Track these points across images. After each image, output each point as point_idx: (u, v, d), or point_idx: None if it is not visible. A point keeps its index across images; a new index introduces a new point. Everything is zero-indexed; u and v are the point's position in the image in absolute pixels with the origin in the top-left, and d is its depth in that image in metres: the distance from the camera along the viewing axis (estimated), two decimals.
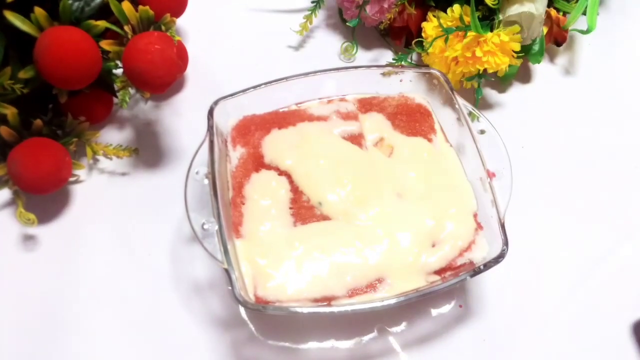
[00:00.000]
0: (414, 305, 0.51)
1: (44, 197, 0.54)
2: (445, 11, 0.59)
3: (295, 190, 0.49)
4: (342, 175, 0.49)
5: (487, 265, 0.45)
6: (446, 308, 0.52)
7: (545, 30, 0.62)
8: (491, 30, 0.58)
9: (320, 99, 0.55)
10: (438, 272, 0.46)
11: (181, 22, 0.64)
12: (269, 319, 0.50)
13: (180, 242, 0.54)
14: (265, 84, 0.52)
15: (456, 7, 0.58)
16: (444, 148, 0.52)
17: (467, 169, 0.51)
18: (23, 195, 0.52)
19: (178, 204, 0.47)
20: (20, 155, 0.50)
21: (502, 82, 0.64)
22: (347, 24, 0.65)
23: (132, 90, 0.58)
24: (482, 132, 0.51)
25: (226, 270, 0.43)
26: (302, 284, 0.45)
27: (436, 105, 0.54)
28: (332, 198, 0.48)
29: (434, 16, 0.59)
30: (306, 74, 0.54)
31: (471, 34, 0.57)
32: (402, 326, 0.51)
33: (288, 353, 0.49)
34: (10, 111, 0.50)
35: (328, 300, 0.45)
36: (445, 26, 0.58)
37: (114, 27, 0.49)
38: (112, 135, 0.60)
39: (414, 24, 0.63)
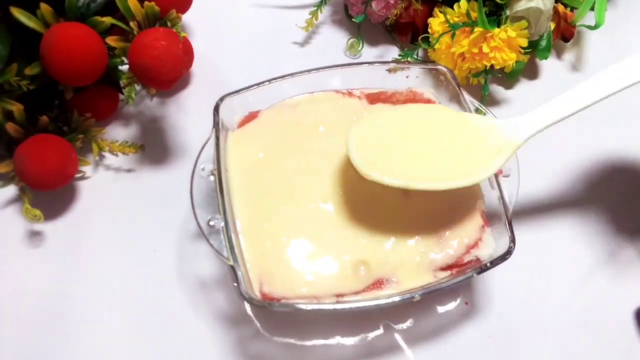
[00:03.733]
0: (419, 303, 0.50)
1: (50, 194, 0.54)
2: (451, 7, 0.59)
3: (302, 186, 0.49)
4: (347, 172, 0.49)
5: (494, 263, 0.45)
6: (452, 305, 0.51)
7: (552, 25, 0.62)
8: (498, 26, 0.57)
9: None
10: (444, 269, 0.46)
11: (187, 18, 0.64)
12: (275, 316, 0.50)
13: (186, 239, 0.54)
14: (271, 80, 0.52)
15: (463, 3, 0.58)
16: None
17: None
18: (29, 192, 0.52)
19: (184, 201, 0.47)
20: (26, 152, 0.50)
21: (509, 78, 0.64)
22: (353, 20, 0.64)
23: (137, 87, 0.58)
24: None
25: (232, 267, 0.43)
26: (308, 280, 0.45)
27: (443, 101, 0.54)
28: (338, 195, 0.48)
29: (441, 12, 0.59)
30: (312, 70, 0.53)
31: (478, 29, 0.56)
32: (408, 323, 0.51)
33: (294, 349, 0.49)
34: (16, 107, 0.50)
35: (334, 297, 0.45)
36: (451, 22, 0.58)
37: (119, 24, 0.49)
38: (118, 132, 0.60)
39: (420, 20, 0.62)
